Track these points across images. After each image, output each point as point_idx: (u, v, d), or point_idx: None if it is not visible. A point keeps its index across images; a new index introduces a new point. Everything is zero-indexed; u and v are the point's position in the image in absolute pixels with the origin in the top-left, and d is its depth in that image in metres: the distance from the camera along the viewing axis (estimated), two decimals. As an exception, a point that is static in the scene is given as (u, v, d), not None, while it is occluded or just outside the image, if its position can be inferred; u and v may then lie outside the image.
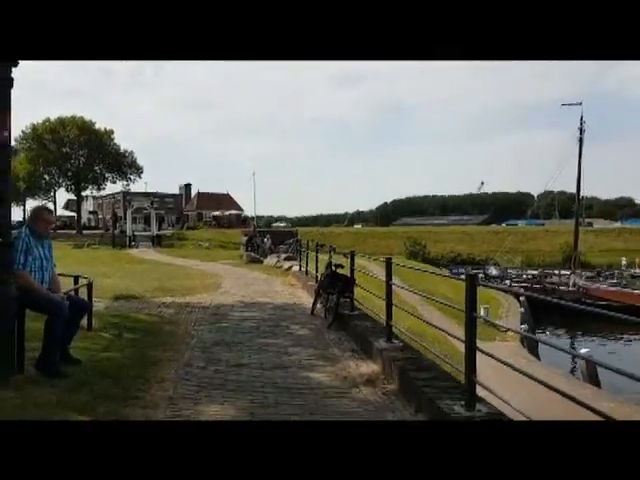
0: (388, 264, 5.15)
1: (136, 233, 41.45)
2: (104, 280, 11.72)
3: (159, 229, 51.00)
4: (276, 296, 9.82)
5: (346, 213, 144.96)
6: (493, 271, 30.86)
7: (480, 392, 3.30)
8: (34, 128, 45.76)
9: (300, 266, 13.09)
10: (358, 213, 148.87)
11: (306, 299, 8.88)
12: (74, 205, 54.01)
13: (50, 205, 54.93)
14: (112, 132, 48.27)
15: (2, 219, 3.43)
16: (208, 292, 10.20)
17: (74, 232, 47.51)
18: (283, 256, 17.27)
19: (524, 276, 29.56)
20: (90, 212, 71.99)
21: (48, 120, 46.15)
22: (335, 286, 6.69)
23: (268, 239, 22.30)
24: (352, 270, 6.89)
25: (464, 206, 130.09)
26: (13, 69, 3.46)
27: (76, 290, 5.92)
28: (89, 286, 5.84)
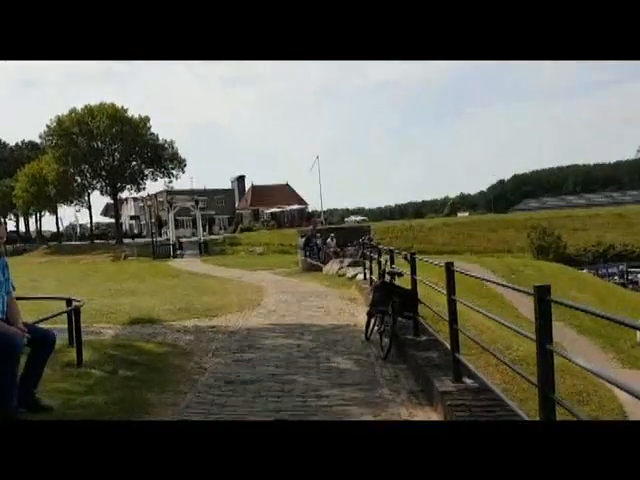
0: (449, 271, 4.70)
1: (182, 240, 42.33)
2: (126, 299, 12.44)
3: (209, 233, 52.68)
4: (326, 316, 9.65)
5: (446, 198, 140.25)
6: None
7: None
8: (59, 121, 49.15)
9: (365, 274, 12.77)
10: (462, 197, 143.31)
11: (364, 318, 8.56)
12: (113, 210, 57.51)
13: (84, 211, 59.64)
14: (148, 120, 51.03)
15: None
16: (242, 312, 10.31)
17: (114, 242, 51.05)
18: (348, 261, 16.97)
19: None
20: (132, 217, 77.14)
21: (74, 110, 49.40)
22: (388, 303, 6.30)
23: (332, 239, 22.14)
24: (414, 279, 6.47)
25: (617, 177, 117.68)
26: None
27: (70, 317, 6.20)
28: (76, 312, 6.04)
